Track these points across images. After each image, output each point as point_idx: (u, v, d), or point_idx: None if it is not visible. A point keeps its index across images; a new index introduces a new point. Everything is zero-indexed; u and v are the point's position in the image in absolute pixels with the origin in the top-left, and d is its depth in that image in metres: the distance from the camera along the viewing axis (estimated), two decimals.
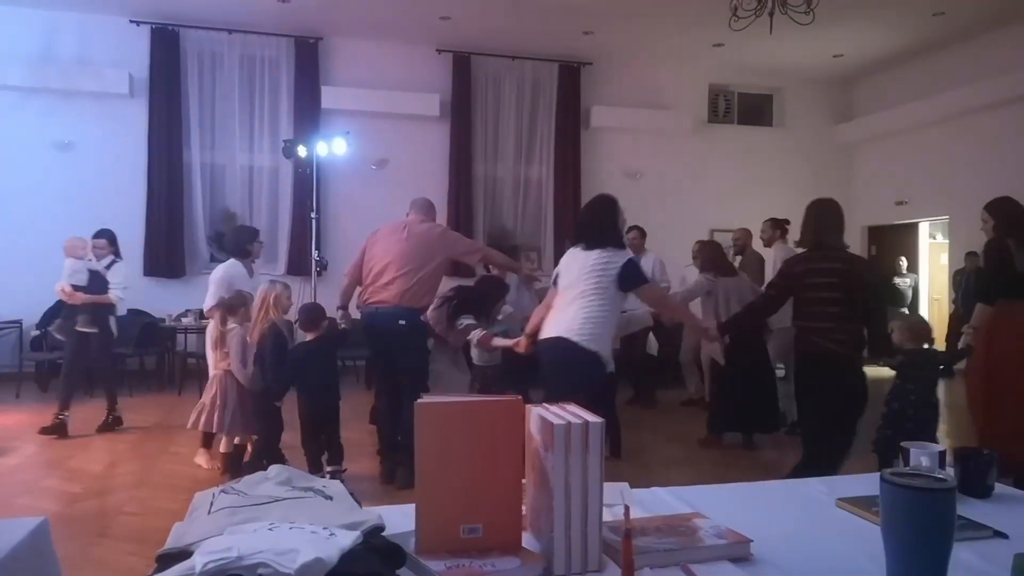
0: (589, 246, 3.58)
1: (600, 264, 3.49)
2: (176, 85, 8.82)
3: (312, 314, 4.46)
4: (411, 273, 4.42)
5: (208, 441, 4.96)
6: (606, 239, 3.57)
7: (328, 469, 4.38)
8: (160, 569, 1.06)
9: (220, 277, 5.19)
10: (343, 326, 4.76)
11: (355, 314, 4.90)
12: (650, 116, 10.24)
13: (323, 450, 4.44)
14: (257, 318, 4.53)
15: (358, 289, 4.76)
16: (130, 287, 6.34)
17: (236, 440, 4.83)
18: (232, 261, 5.38)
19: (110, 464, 5.03)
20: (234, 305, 4.74)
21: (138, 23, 8.66)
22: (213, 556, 0.98)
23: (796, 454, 4.04)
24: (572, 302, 3.53)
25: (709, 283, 5.76)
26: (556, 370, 3.55)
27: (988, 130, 8.83)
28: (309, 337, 4.42)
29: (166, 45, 8.77)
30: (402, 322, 4.38)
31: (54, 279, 8.07)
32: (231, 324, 4.71)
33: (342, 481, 4.03)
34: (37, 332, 7.87)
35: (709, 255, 6.05)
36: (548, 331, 3.59)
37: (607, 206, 3.70)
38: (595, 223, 3.67)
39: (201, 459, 4.93)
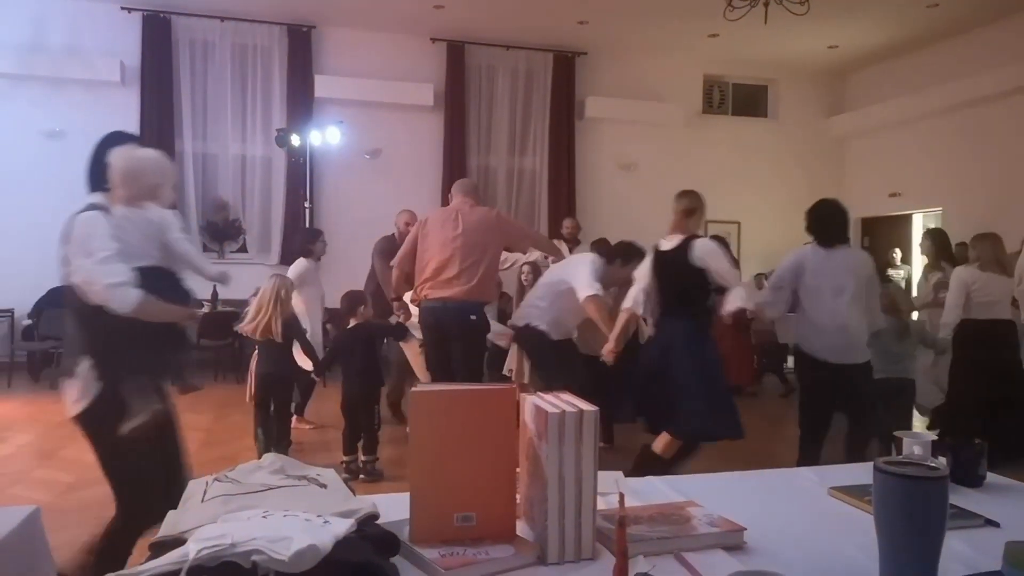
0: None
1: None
2: (168, 73, 8.75)
3: (353, 300, 4.62)
4: (475, 266, 4.30)
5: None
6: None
7: (362, 459, 4.49)
8: (153, 557, 1.06)
9: (293, 277, 5.34)
10: (399, 318, 4.79)
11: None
12: (644, 107, 10.22)
13: (359, 436, 4.54)
14: (268, 310, 4.59)
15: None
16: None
17: None
18: (300, 260, 5.73)
19: None
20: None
21: (129, 10, 8.58)
22: (207, 543, 0.98)
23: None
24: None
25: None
26: None
27: (981, 122, 8.84)
28: (352, 323, 4.58)
29: (158, 32, 8.70)
30: (473, 317, 4.31)
31: (45, 269, 8.02)
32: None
33: (373, 471, 4.07)
34: (29, 321, 7.82)
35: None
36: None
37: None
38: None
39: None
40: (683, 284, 3.90)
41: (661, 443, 3.90)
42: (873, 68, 10.49)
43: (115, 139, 2.69)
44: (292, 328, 4.68)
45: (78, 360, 2.35)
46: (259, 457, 4.06)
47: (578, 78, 10.05)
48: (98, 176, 2.55)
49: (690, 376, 3.79)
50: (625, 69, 10.18)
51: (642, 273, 4.08)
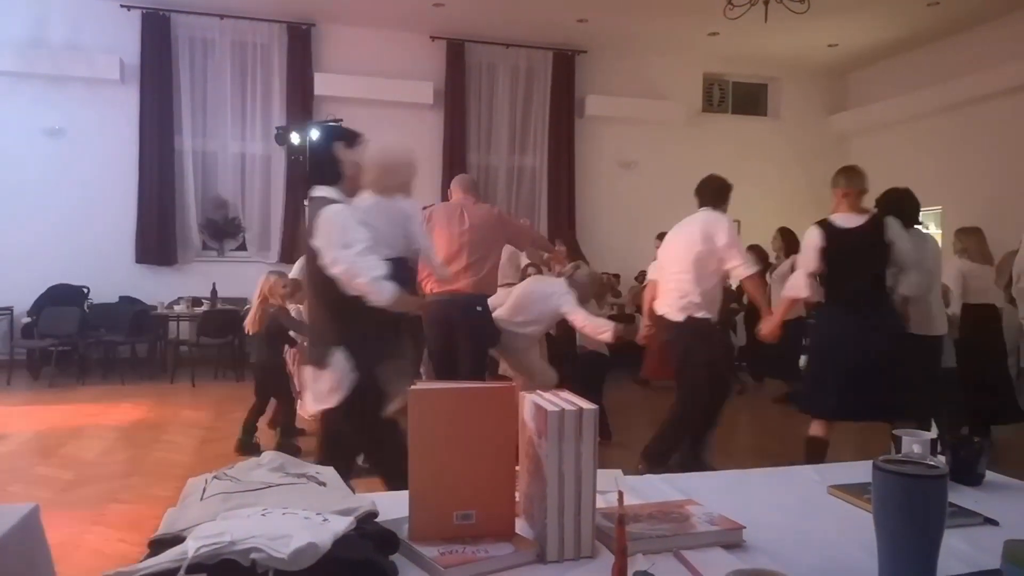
0: None
1: None
2: (167, 71, 8.74)
3: None
4: (482, 260, 4.38)
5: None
6: None
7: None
8: (152, 554, 1.06)
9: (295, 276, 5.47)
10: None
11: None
12: (645, 105, 10.20)
13: None
14: (255, 305, 4.94)
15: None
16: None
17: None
18: (301, 259, 5.68)
19: (103, 452, 5.02)
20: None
21: (129, 8, 8.57)
22: (206, 541, 0.98)
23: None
24: None
25: None
26: None
27: (982, 121, 8.84)
28: None
29: (157, 30, 8.69)
30: (479, 308, 4.39)
31: (44, 266, 8.06)
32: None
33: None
34: (28, 319, 7.82)
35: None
36: None
37: None
38: None
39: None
40: (880, 264, 3.72)
41: None
42: (873, 66, 10.48)
43: (338, 133, 2.72)
44: (279, 320, 4.89)
45: (329, 351, 2.37)
46: (239, 447, 4.26)
47: (578, 76, 10.04)
48: (327, 169, 2.55)
49: (918, 360, 3.87)
50: (625, 67, 10.17)
51: (809, 257, 3.82)
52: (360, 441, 2.50)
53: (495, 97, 9.84)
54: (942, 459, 1.61)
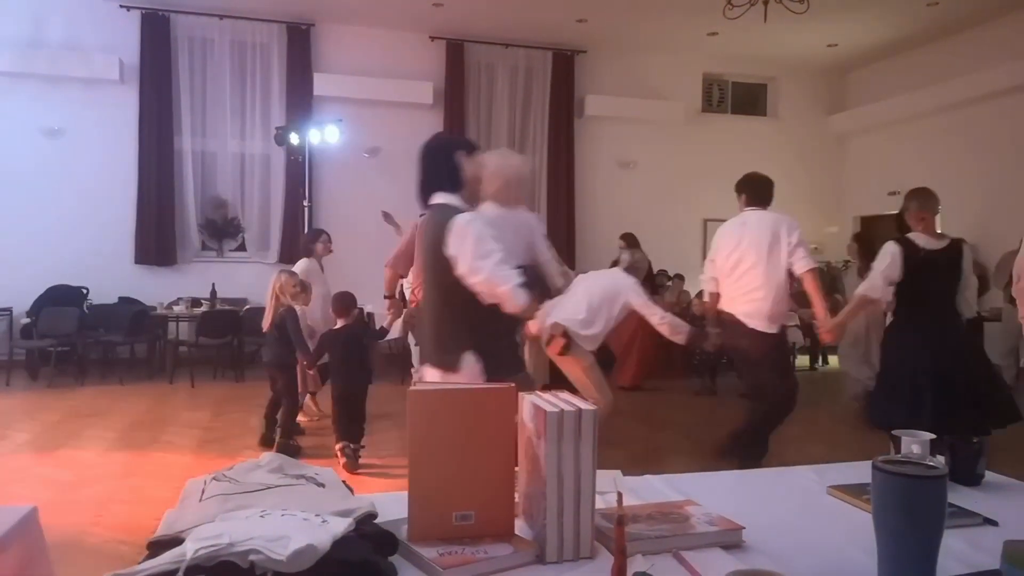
0: None
1: None
2: (167, 71, 8.73)
3: (344, 302, 4.91)
4: None
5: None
6: None
7: (349, 445, 4.69)
8: (151, 556, 1.06)
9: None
10: (389, 317, 4.85)
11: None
12: (644, 105, 10.20)
13: (356, 424, 4.81)
14: (269, 304, 5.05)
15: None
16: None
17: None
18: (302, 260, 5.98)
19: (102, 452, 5.02)
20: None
21: (128, 8, 8.57)
22: (204, 543, 0.98)
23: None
24: None
25: None
26: None
27: (981, 121, 8.84)
28: (340, 323, 4.88)
29: (156, 30, 8.68)
30: None
31: (44, 267, 8.06)
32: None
33: (356, 457, 4.30)
34: (27, 320, 7.82)
35: None
36: None
37: None
38: None
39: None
40: (955, 285, 3.97)
41: None
42: (872, 66, 10.49)
43: (459, 142, 2.79)
44: (285, 320, 4.96)
45: (460, 355, 2.44)
46: (262, 441, 4.31)
47: (577, 76, 10.04)
48: (448, 176, 2.59)
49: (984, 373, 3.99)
50: (624, 67, 10.17)
51: (894, 266, 3.96)
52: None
53: (494, 97, 9.84)
54: (941, 459, 1.61)
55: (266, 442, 5.04)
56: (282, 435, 5.00)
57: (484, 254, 2.36)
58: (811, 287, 4.12)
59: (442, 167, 2.59)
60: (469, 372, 2.44)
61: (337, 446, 4.70)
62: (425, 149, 2.64)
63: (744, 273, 4.15)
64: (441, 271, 2.44)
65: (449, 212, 2.46)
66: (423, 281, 2.65)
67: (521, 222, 2.94)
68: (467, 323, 2.47)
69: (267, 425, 5.18)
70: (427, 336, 2.63)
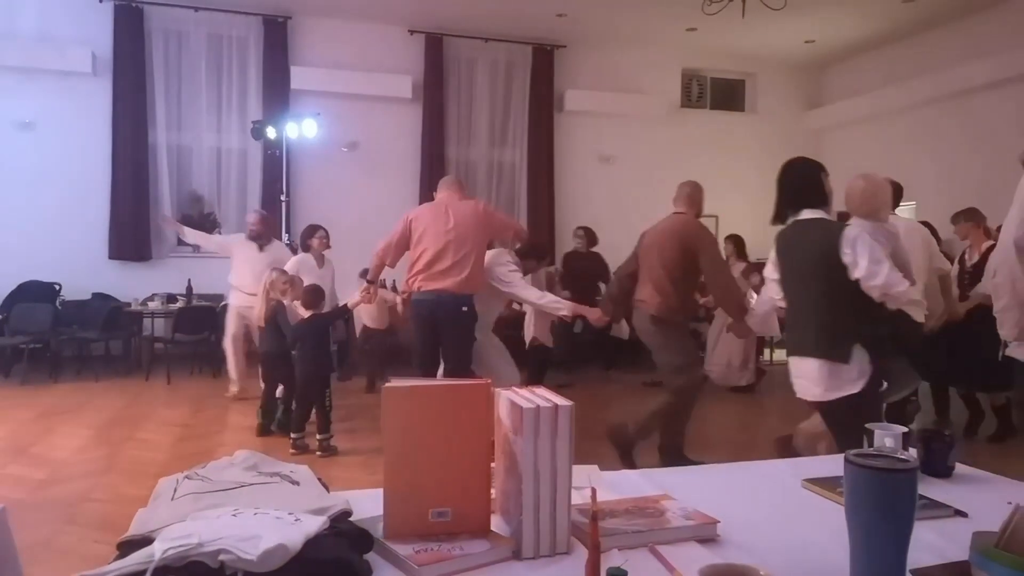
0: None
1: None
2: (141, 64, 8.60)
3: (312, 296, 5.16)
4: (468, 257, 4.44)
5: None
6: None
7: (318, 437, 4.86)
8: (121, 556, 1.04)
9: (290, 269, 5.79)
10: (360, 297, 4.97)
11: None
12: (623, 100, 10.22)
13: (309, 416, 5.00)
14: (260, 298, 5.34)
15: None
16: None
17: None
18: (300, 255, 6.29)
19: (76, 450, 4.95)
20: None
21: None
22: (173, 543, 0.97)
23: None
24: None
25: None
26: None
27: (957, 116, 8.95)
28: (307, 315, 5.07)
29: (130, 22, 8.54)
30: (464, 308, 4.44)
31: (16, 262, 7.92)
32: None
33: (328, 447, 4.55)
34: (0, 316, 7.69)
35: None
36: None
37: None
38: None
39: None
40: None
41: None
42: (849, 62, 10.58)
43: (820, 166, 3.23)
44: (276, 314, 5.25)
45: (851, 347, 2.82)
46: (259, 431, 4.36)
47: (557, 71, 10.03)
48: (814, 194, 3.09)
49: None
50: (604, 62, 10.18)
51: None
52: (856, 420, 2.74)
53: (474, 91, 9.80)
54: (913, 452, 1.63)
55: (263, 432, 5.31)
56: (284, 413, 5.35)
57: (878, 259, 2.77)
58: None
59: (808, 186, 3.09)
60: (858, 362, 2.81)
61: (295, 435, 4.92)
62: (791, 170, 3.17)
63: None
64: (834, 275, 2.83)
65: (830, 225, 2.95)
66: (789, 283, 3.13)
67: (890, 234, 3.23)
68: (858, 320, 2.84)
69: (264, 415, 5.39)
70: (810, 331, 2.97)
